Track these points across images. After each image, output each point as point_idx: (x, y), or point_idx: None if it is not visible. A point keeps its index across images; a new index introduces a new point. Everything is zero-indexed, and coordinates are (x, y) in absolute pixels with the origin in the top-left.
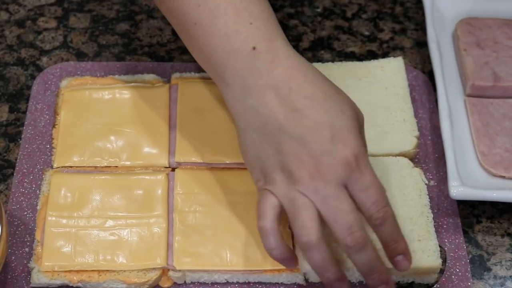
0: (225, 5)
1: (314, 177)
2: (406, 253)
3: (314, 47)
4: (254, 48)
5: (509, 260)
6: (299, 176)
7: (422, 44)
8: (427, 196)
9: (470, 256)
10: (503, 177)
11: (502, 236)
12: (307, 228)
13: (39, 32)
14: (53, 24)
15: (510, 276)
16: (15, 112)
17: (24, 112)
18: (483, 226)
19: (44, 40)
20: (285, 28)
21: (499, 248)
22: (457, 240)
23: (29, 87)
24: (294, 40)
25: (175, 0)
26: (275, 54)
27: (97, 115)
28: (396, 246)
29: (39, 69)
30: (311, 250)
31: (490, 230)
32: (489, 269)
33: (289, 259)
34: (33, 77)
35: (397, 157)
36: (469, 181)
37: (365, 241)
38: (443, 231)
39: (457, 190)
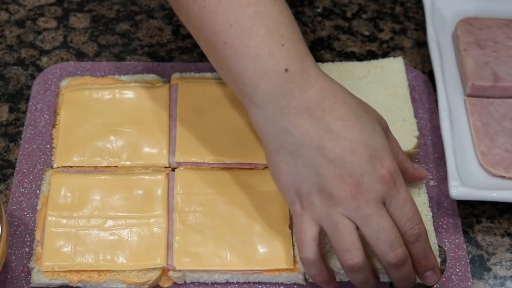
0: (258, 26)
1: (356, 197)
2: (436, 269)
3: (314, 47)
4: (286, 70)
5: (509, 260)
6: (340, 197)
7: (422, 44)
8: (426, 195)
9: (470, 256)
10: (503, 177)
11: (502, 236)
12: (352, 251)
13: (39, 32)
14: (53, 24)
15: (510, 276)
16: (15, 112)
17: (24, 112)
18: (483, 226)
19: (44, 40)
20: None
21: (499, 248)
22: (457, 240)
23: (29, 87)
24: None
25: (205, 20)
26: (307, 76)
27: (97, 115)
28: (428, 263)
29: (39, 69)
30: (356, 272)
31: (490, 230)
32: (489, 269)
33: (329, 281)
34: (33, 77)
35: None
36: (469, 181)
37: (406, 257)
38: (443, 231)
39: (457, 190)
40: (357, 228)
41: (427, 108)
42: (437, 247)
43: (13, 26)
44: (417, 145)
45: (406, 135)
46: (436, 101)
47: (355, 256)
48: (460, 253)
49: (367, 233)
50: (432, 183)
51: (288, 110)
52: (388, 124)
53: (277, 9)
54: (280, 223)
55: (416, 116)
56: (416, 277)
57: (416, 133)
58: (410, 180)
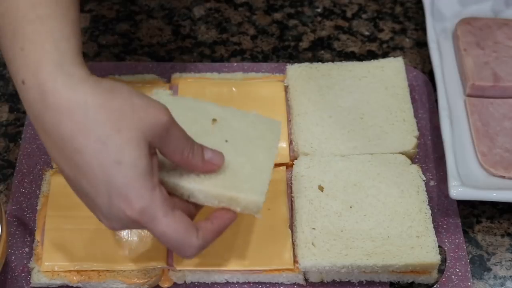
0: (6, 25)
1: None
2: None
3: (314, 47)
4: (23, 82)
5: (509, 260)
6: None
7: (422, 44)
8: (425, 193)
9: (470, 256)
10: (503, 177)
11: (502, 236)
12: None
13: None
14: None
15: (510, 276)
16: (15, 112)
17: (24, 112)
18: (483, 226)
19: None
20: (285, 28)
21: (499, 248)
22: (457, 240)
23: None
24: (294, 40)
25: None
26: (41, 91)
27: None
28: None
29: None
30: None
31: (490, 230)
32: (489, 269)
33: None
34: None
35: (395, 154)
36: (469, 181)
37: None
38: (443, 231)
39: (457, 190)
40: None
41: (427, 108)
42: (437, 246)
43: None
44: (417, 145)
45: (406, 135)
46: (436, 101)
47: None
48: (460, 253)
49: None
50: (432, 183)
51: (38, 129)
52: (388, 124)
53: (30, 4)
54: (280, 223)
55: (416, 116)
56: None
57: (416, 133)
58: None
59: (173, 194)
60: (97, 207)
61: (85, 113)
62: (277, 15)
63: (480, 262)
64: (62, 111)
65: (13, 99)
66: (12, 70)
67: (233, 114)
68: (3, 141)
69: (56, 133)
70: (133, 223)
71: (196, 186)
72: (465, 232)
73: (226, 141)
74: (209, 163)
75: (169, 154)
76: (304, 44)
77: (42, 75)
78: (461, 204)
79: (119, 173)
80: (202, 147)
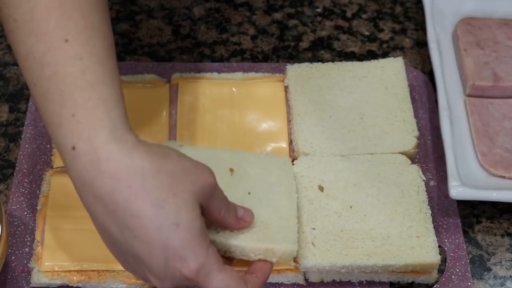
0: (53, 90)
1: None
2: None
3: (314, 47)
4: (73, 148)
5: (509, 260)
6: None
7: (422, 44)
8: (425, 193)
9: (470, 256)
10: (503, 177)
11: (502, 236)
12: None
13: None
14: None
15: (510, 276)
16: (15, 112)
17: (24, 112)
18: (483, 226)
19: None
20: (285, 28)
21: (499, 248)
22: (457, 240)
23: None
24: (294, 40)
25: (22, 69)
26: (96, 158)
27: None
28: None
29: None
30: None
31: (490, 230)
32: (489, 269)
33: None
34: None
35: (395, 154)
36: (469, 181)
37: None
38: (443, 231)
39: (457, 190)
40: None
41: (427, 108)
42: (437, 246)
43: None
44: (417, 145)
45: (406, 135)
46: (436, 101)
47: None
48: (460, 253)
49: None
50: (432, 183)
51: (84, 194)
52: (388, 124)
53: (79, 70)
54: None
55: (416, 116)
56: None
57: (416, 133)
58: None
59: None
60: (148, 268)
61: (143, 178)
62: (277, 15)
63: (480, 262)
64: (119, 177)
65: (13, 99)
66: (59, 135)
67: (246, 159)
68: (3, 141)
69: (110, 199)
70: (187, 281)
71: (233, 242)
72: (465, 232)
73: (249, 193)
74: (241, 221)
75: (210, 213)
76: (304, 44)
77: (96, 141)
78: (461, 204)
79: (176, 235)
80: (235, 206)
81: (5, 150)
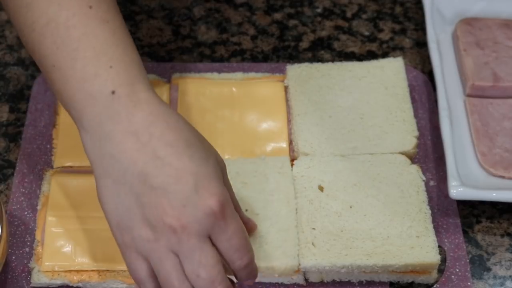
0: (84, 48)
1: (176, 231)
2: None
3: (314, 47)
4: (113, 92)
5: (509, 260)
6: (161, 230)
7: (422, 44)
8: (425, 193)
9: (470, 256)
10: (503, 177)
11: (502, 236)
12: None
13: None
14: None
15: (510, 276)
16: (15, 112)
17: (24, 112)
18: (483, 226)
19: None
20: (285, 28)
21: (499, 248)
22: (457, 240)
23: (29, 87)
24: (294, 40)
25: (35, 43)
26: (136, 99)
27: None
28: (250, 281)
29: (39, 69)
30: None
31: (490, 230)
32: (489, 269)
33: None
34: (33, 77)
35: (395, 154)
36: (469, 181)
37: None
38: (443, 231)
39: (457, 190)
40: None
41: (427, 108)
42: (437, 246)
43: (13, 26)
44: (417, 145)
45: (406, 135)
46: (436, 101)
47: None
48: (460, 253)
49: (187, 270)
50: (432, 183)
51: (114, 134)
52: (388, 124)
53: (108, 31)
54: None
55: (416, 116)
56: None
57: (416, 133)
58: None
59: None
60: (168, 199)
61: (176, 119)
62: (277, 15)
63: (480, 262)
64: (157, 114)
65: (13, 99)
66: (93, 84)
67: (244, 168)
68: (3, 141)
69: (145, 130)
70: (207, 216)
71: None
72: (465, 232)
73: (246, 210)
74: (248, 222)
75: None
76: (304, 44)
77: (136, 87)
78: (461, 204)
79: (208, 167)
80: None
81: (5, 150)
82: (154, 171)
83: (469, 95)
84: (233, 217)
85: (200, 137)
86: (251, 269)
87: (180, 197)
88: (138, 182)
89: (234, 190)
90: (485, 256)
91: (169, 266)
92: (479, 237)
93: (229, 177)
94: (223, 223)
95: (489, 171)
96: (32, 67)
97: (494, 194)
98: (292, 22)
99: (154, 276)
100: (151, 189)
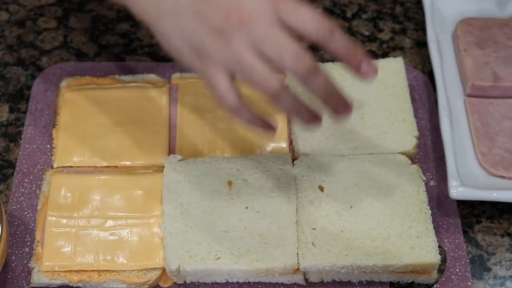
0: None
1: (243, 23)
2: (368, 59)
3: (314, 47)
4: None
5: (509, 260)
6: (230, 29)
7: (422, 44)
8: (425, 193)
9: (470, 256)
10: (503, 177)
11: (502, 236)
12: (267, 80)
13: (39, 32)
14: (53, 24)
15: (510, 276)
16: (15, 112)
17: (24, 112)
18: (483, 226)
19: (44, 40)
20: None
21: (499, 248)
22: (457, 240)
23: (29, 87)
24: None
25: None
26: None
27: (97, 115)
28: (356, 53)
29: (39, 69)
30: (282, 97)
31: (490, 230)
32: (489, 269)
33: (266, 122)
34: (33, 77)
35: (395, 154)
36: (469, 181)
37: (316, 65)
38: (443, 231)
39: (457, 190)
40: None
41: (427, 108)
42: (437, 247)
43: (13, 26)
44: (417, 145)
45: (406, 135)
46: (436, 101)
47: (272, 81)
48: (460, 253)
49: (269, 55)
50: (432, 183)
51: None
52: (388, 124)
53: None
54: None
55: (416, 116)
56: (344, 95)
57: (416, 133)
58: None
59: None
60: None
61: None
62: None
63: (480, 262)
64: None
65: (13, 99)
66: None
67: (245, 167)
68: (3, 141)
69: None
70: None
71: (234, 266)
72: (465, 232)
73: (246, 207)
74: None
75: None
76: (304, 44)
77: None
78: (461, 204)
79: None
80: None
81: (5, 150)
82: None
83: (469, 95)
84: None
85: None
86: (343, 37)
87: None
88: (192, 1)
89: (235, 187)
90: (485, 256)
91: (249, 59)
92: (479, 237)
93: (230, 174)
94: (288, 1)
95: (489, 171)
96: (32, 67)
97: (494, 194)
98: None
99: (233, 86)
100: (206, 1)
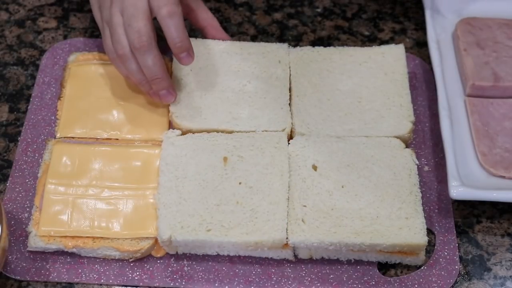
0: None
1: None
2: (190, 50)
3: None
4: None
5: (509, 260)
6: None
7: (422, 44)
8: (417, 176)
9: (470, 256)
10: (503, 177)
11: (502, 236)
12: (121, 41)
13: (39, 32)
14: (53, 24)
15: (510, 276)
16: (15, 112)
17: (24, 112)
18: (483, 226)
19: (44, 40)
20: (285, 28)
21: (499, 248)
22: (447, 225)
23: (29, 87)
24: (294, 40)
25: None
26: None
27: (101, 89)
28: (182, 45)
29: (39, 69)
30: (126, 60)
31: (490, 230)
32: (489, 269)
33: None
34: (33, 77)
35: (389, 137)
36: (469, 181)
37: (150, 46)
38: (434, 215)
39: (457, 190)
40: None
41: (426, 96)
42: (425, 228)
43: (13, 26)
44: (412, 130)
45: (402, 119)
46: (436, 89)
47: (124, 42)
48: (450, 237)
49: (125, 22)
50: (426, 168)
51: None
52: (385, 109)
53: None
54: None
55: (415, 103)
56: (169, 79)
57: (412, 118)
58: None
59: None
60: None
61: None
62: (277, 15)
63: (480, 262)
64: None
65: (13, 99)
66: None
67: (241, 143)
68: (3, 141)
69: None
70: None
71: (224, 239)
72: (465, 232)
73: (240, 183)
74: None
75: None
76: (304, 44)
77: None
78: (461, 204)
79: None
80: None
81: (5, 150)
82: None
83: (469, 95)
84: None
85: None
86: (178, 25)
87: None
88: None
89: (230, 162)
90: (486, 256)
91: (115, 20)
92: (479, 237)
93: (226, 150)
94: None
95: (489, 171)
96: (32, 67)
97: (494, 194)
98: (292, 22)
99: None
100: None
